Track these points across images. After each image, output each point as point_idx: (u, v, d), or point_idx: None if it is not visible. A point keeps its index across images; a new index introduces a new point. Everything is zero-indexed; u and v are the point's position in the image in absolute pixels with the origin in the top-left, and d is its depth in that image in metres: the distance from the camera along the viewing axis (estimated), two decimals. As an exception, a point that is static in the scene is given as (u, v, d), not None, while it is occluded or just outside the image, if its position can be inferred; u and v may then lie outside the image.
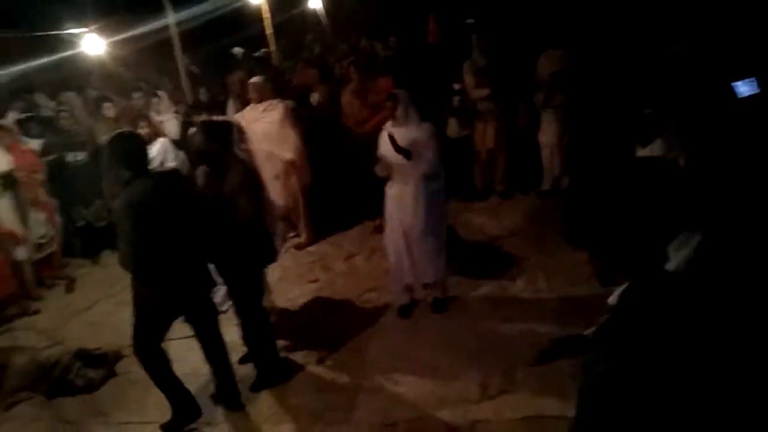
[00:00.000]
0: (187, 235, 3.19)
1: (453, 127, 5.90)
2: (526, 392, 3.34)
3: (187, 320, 3.41)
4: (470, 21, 6.95)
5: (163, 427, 3.41)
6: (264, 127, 5.17)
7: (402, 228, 4.08)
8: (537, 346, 3.71)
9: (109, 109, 6.04)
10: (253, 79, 5.36)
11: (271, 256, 3.75)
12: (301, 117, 5.65)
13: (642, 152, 3.53)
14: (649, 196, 1.24)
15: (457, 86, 5.79)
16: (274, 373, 3.75)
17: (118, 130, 3.44)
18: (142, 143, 3.25)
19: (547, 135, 5.77)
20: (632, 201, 1.24)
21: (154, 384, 3.34)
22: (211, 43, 9.24)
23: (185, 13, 7.38)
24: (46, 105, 6.62)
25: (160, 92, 6.71)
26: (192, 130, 3.51)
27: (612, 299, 1.39)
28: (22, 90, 7.12)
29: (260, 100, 5.25)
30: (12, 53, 7.14)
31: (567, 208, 1.44)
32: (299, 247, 5.70)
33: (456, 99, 5.81)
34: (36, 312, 5.27)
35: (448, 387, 3.46)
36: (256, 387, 3.69)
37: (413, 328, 4.12)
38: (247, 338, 3.75)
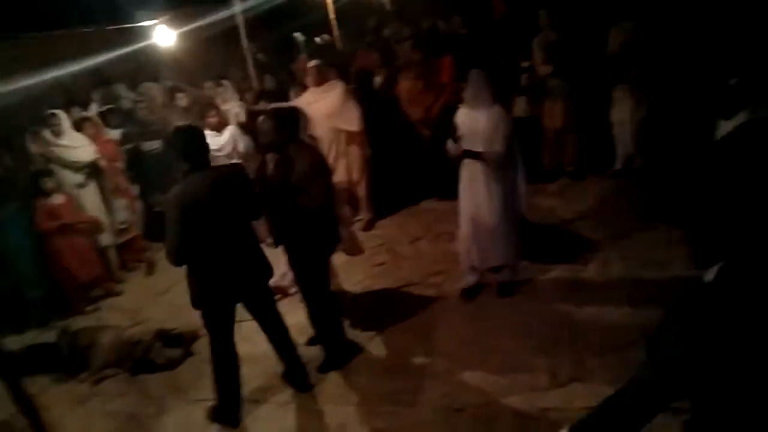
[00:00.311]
0: (240, 228, 3.23)
1: (520, 106, 5.72)
2: (598, 381, 3.22)
3: (246, 308, 3.45)
4: None
5: (207, 411, 3.56)
6: (325, 104, 5.30)
7: (471, 209, 4.03)
8: (609, 333, 3.58)
9: (181, 99, 6.29)
10: (312, 63, 5.44)
11: (337, 241, 3.78)
12: (360, 100, 5.67)
13: (725, 126, 3.29)
14: (752, 165, 1.14)
15: (525, 64, 5.60)
16: (341, 355, 3.81)
17: (178, 124, 3.54)
18: (201, 137, 3.22)
19: (620, 112, 5.50)
20: (734, 173, 1.15)
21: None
22: (276, 30, 9.35)
23: (251, 1, 7.52)
24: (126, 96, 6.92)
25: (224, 81, 6.86)
26: (260, 118, 3.51)
27: (709, 275, 1.29)
28: (102, 82, 7.50)
29: (320, 83, 5.33)
30: (91, 47, 7.54)
31: (653, 187, 1.35)
32: (365, 227, 5.76)
33: (524, 77, 5.63)
34: (119, 293, 5.60)
35: (516, 373, 3.40)
36: (324, 368, 3.76)
37: (480, 312, 4.06)
38: (314, 321, 3.81)
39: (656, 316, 3.44)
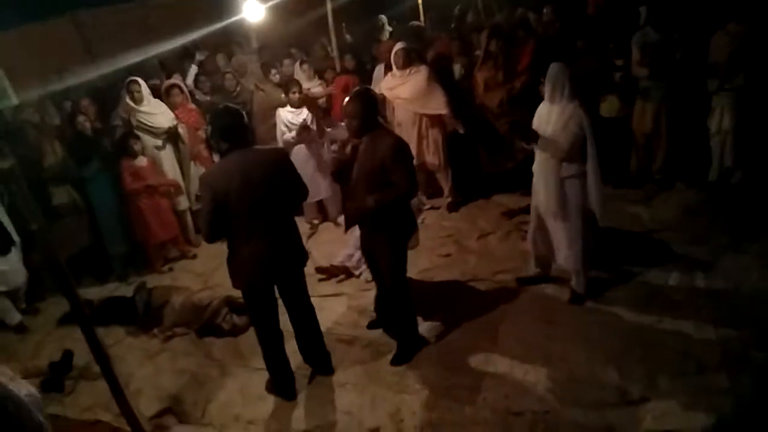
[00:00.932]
0: (276, 211, 3.19)
1: (610, 106, 5.43)
2: (671, 403, 3.05)
3: (278, 290, 3.45)
4: None
5: (266, 382, 3.67)
6: (410, 88, 5.34)
7: (535, 202, 3.98)
8: (686, 353, 3.37)
9: (274, 76, 6.37)
10: (398, 45, 5.38)
11: (415, 227, 3.69)
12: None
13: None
14: None
15: (619, 62, 5.30)
16: (413, 348, 3.76)
17: (221, 105, 3.49)
18: (241, 118, 3.19)
19: (720, 121, 5.09)
20: None
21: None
22: (362, 11, 9.32)
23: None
24: (224, 67, 7.10)
25: (306, 59, 6.88)
26: (346, 99, 3.43)
27: None
28: (192, 52, 7.75)
29: (405, 67, 5.34)
30: (185, 17, 7.80)
31: (750, 205, 1.21)
32: (449, 209, 5.81)
33: (618, 75, 5.33)
34: (194, 257, 5.83)
35: (583, 384, 3.26)
36: (397, 361, 3.70)
37: (548, 317, 3.91)
38: (389, 310, 3.79)
39: (740, 340, 3.29)
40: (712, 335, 3.48)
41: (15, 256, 4.77)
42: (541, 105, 3.83)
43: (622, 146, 5.49)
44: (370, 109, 3.34)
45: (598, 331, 3.68)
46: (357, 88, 3.53)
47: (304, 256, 3.46)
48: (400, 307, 3.68)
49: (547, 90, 3.73)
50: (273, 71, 6.43)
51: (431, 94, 5.32)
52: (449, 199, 5.85)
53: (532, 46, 5.61)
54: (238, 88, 6.23)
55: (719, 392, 3.05)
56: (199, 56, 7.51)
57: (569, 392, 3.22)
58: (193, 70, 7.07)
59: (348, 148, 3.46)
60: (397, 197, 3.32)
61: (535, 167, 3.94)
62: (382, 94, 5.34)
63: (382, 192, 3.28)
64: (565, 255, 3.92)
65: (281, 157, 3.32)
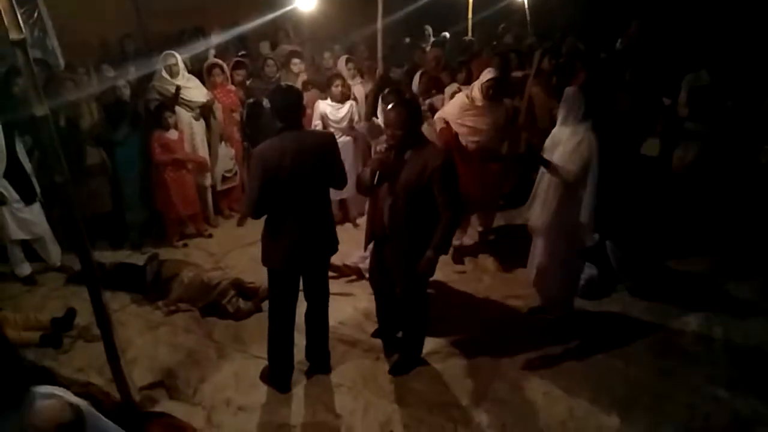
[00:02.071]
0: (318, 195, 3.19)
1: (652, 147, 5.31)
2: (672, 458, 2.93)
3: (303, 277, 3.42)
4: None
5: (262, 370, 3.65)
6: (489, 121, 4.67)
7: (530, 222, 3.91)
8: (696, 408, 3.24)
9: (295, 65, 6.37)
10: (491, 74, 4.60)
11: (449, 245, 3.36)
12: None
13: None
14: None
15: (667, 101, 5.18)
16: (416, 361, 3.68)
17: (280, 83, 3.49)
18: (299, 98, 3.20)
19: None
20: None
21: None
22: (412, 18, 9.32)
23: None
24: (266, 54, 7.14)
25: (351, 57, 6.86)
26: (389, 105, 3.23)
27: None
28: (243, 38, 7.84)
29: (493, 98, 4.67)
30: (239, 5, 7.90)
31: None
32: (480, 236, 5.46)
33: (662, 116, 5.21)
34: (209, 236, 5.83)
35: (582, 424, 3.15)
36: (396, 371, 3.63)
37: (555, 351, 3.80)
38: (403, 320, 3.66)
39: (751, 407, 3.14)
40: (725, 395, 3.34)
41: (37, 208, 4.83)
42: (555, 129, 3.79)
43: (658, 186, 5.35)
44: (415, 120, 3.16)
45: (606, 373, 3.56)
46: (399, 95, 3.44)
47: (335, 244, 3.43)
48: (417, 319, 3.58)
49: (561, 113, 3.69)
50: (294, 61, 6.37)
51: (506, 132, 4.90)
52: (480, 229, 5.47)
53: (583, 77, 5.52)
54: (278, 75, 6.23)
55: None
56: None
57: (567, 429, 3.11)
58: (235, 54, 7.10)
59: (392, 154, 3.23)
60: (451, 224, 3.13)
61: (536, 188, 3.87)
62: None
63: (437, 236, 3.11)
64: (542, 277, 3.88)
65: (331, 142, 3.27)
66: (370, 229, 3.43)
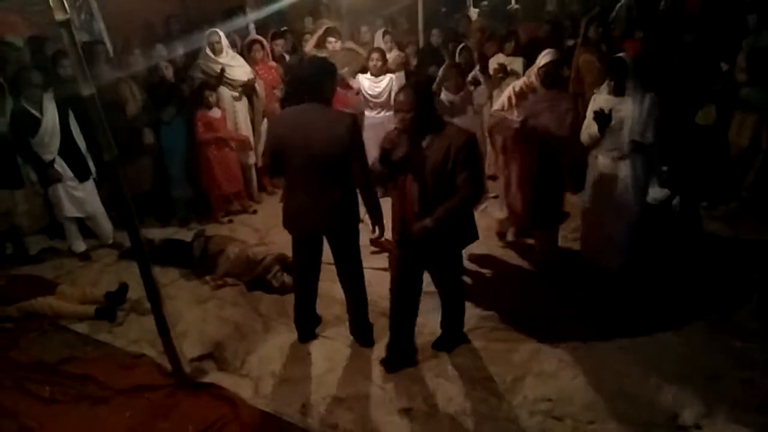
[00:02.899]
0: (331, 170, 3.15)
1: (707, 114, 5.03)
2: (727, 437, 2.82)
3: (332, 251, 3.46)
4: None
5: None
6: (555, 117, 4.02)
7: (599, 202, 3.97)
8: (754, 385, 3.11)
9: (330, 43, 6.23)
10: (549, 56, 3.98)
11: (475, 235, 3.26)
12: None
13: None
14: None
15: (725, 66, 4.90)
16: (458, 338, 3.66)
17: (312, 56, 3.50)
18: (327, 72, 3.21)
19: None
20: None
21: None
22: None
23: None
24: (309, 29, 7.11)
25: (389, 30, 6.74)
26: (399, 90, 3.04)
27: None
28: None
29: (552, 86, 4.11)
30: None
31: None
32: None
33: (719, 82, 4.92)
34: (254, 212, 5.92)
35: (633, 401, 3.06)
36: (440, 346, 3.63)
37: (606, 324, 3.70)
38: (442, 302, 3.55)
39: None
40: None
41: (90, 186, 5.00)
42: (603, 99, 3.72)
43: (713, 157, 5.10)
44: (426, 102, 2.95)
45: (658, 348, 3.45)
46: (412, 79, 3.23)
47: (351, 220, 3.36)
48: (455, 297, 3.52)
49: (613, 83, 3.65)
50: (330, 39, 6.21)
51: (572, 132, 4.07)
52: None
53: (639, 45, 5.28)
54: (314, 51, 6.16)
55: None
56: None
57: (617, 406, 3.03)
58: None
59: (403, 137, 3.02)
60: (463, 201, 2.96)
61: (599, 163, 3.82)
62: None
63: (443, 207, 2.92)
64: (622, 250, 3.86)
65: (347, 123, 3.13)
66: (399, 222, 3.19)
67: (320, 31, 6.06)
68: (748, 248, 4.48)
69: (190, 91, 5.66)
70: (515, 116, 4.09)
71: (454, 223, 3.02)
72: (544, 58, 3.93)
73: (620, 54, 3.74)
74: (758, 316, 3.69)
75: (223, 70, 5.51)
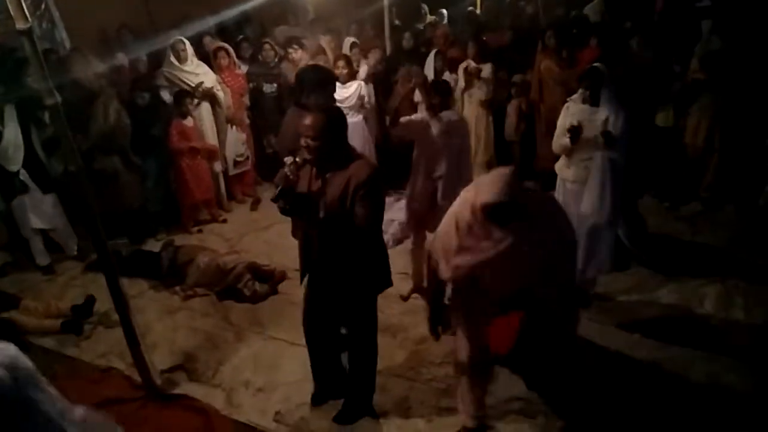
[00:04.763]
0: None
1: (667, 116, 5.21)
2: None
3: None
4: (705, 3, 6.06)
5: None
6: None
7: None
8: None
9: (295, 52, 6.11)
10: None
11: (388, 281, 2.94)
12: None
13: None
14: None
15: (678, 68, 5.08)
16: (362, 410, 3.17)
17: (311, 63, 3.55)
18: (324, 79, 3.37)
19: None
20: None
21: None
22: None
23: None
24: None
25: (357, 41, 6.74)
26: (306, 116, 2.71)
27: None
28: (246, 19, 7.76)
29: None
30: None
31: None
32: None
33: (677, 84, 5.11)
34: (224, 221, 5.86)
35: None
36: (342, 419, 3.16)
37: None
38: (350, 361, 3.15)
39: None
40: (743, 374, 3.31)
41: (53, 197, 4.90)
42: (578, 107, 3.71)
43: (672, 158, 5.27)
44: (337, 130, 2.61)
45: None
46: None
47: None
48: (364, 367, 3.07)
49: (586, 92, 3.64)
50: (291, 48, 6.12)
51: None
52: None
53: (594, 51, 5.42)
54: (275, 60, 6.13)
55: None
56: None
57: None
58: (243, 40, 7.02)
59: (304, 169, 2.66)
60: (361, 229, 2.58)
61: (570, 174, 3.80)
62: None
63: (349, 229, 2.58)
64: (604, 259, 3.81)
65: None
66: (303, 257, 2.92)
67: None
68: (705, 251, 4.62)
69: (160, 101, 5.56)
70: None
71: (358, 262, 2.70)
72: (488, 195, 2.33)
73: (596, 64, 3.73)
74: (720, 316, 3.81)
75: (199, 85, 5.46)
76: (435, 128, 3.75)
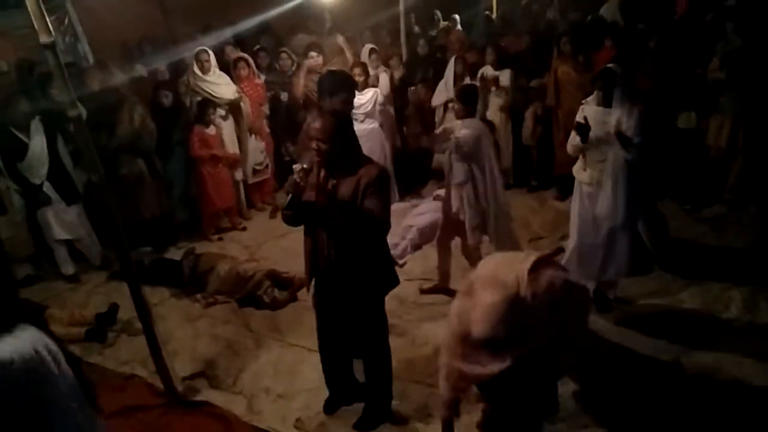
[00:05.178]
0: None
1: (689, 118, 5.14)
2: None
3: None
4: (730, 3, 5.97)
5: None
6: None
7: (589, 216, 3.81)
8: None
9: (316, 57, 6.24)
10: None
11: (394, 279, 2.96)
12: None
13: None
14: None
15: (700, 70, 5.00)
16: (382, 416, 3.17)
17: (331, 67, 3.60)
18: (339, 81, 3.48)
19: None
20: None
21: None
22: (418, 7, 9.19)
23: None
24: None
25: (371, 46, 6.77)
26: (313, 116, 3.26)
27: None
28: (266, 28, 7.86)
29: None
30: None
31: None
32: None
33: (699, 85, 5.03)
34: (243, 229, 5.92)
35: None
36: (361, 426, 3.17)
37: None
38: (365, 368, 3.13)
39: None
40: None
41: (78, 208, 5.01)
42: (591, 110, 3.66)
43: (694, 160, 5.18)
44: (346, 133, 2.66)
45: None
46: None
47: None
48: (379, 370, 3.07)
49: (600, 93, 3.60)
50: (312, 54, 6.20)
51: None
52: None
53: (610, 53, 5.37)
54: (293, 68, 6.17)
55: None
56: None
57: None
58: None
59: (314, 174, 2.70)
60: (368, 227, 2.63)
61: (586, 176, 3.76)
62: None
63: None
64: (624, 263, 3.75)
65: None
66: (310, 265, 2.88)
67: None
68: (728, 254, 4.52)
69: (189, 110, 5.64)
70: None
71: (367, 263, 2.73)
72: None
73: (609, 65, 3.68)
74: (743, 318, 3.74)
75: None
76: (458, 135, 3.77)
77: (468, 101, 3.88)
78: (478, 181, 3.90)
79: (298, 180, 2.59)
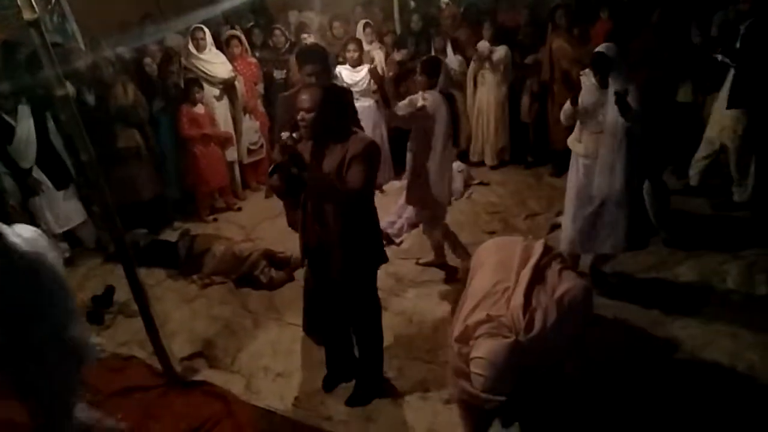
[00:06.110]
0: None
1: (687, 92, 5.09)
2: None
3: None
4: None
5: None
6: None
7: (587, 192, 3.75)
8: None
9: (309, 38, 6.13)
10: None
11: (382, 256, 2.95)
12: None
13: None
14: None
15: (696, 41, 4.94)
16: (373, 391, 3.19)
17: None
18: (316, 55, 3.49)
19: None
20: None
21: None
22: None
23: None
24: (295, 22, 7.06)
25: (365, 20, 6.67)
26: (302, 88, 2.90)
27: None
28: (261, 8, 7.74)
29: None
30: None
31: None
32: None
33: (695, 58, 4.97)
34: (239, 209, 5.90)
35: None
36: (353, 402, 3.18)
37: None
38: (357, 342, 3.18)
39: None
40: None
41: (71, 192, 4.94)
42: (587, 88, 3.59)
43: (692, 134, 5.14)
44: (334, 104, 2.66)
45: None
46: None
47: None
48: (370, 346, 3.10)
49: (597, 75, 3.49)
50: (336, 24, 6.22)
51: None
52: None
53: (607, 27, 5.30)
54: (286, 45, 6.10)
55: None
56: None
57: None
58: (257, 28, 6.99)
59: (302, 143, 2.69)
60: (346, 192, 2.57)
61: (581, 148, 3.71)
62: None
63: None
64: (621, 238, 3.71)
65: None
66: (303, 241, 2.88)
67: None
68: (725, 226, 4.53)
69: (174, 87, 5.57)
70: None
71: (356, 238, 2.72)
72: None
73: (601, 48, 3.52)
74: (740, 288, 3.75)
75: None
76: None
77: (431, 73, 3.79)
78: (419, 153, 3.84)
79: (288, 142, 2.57)
